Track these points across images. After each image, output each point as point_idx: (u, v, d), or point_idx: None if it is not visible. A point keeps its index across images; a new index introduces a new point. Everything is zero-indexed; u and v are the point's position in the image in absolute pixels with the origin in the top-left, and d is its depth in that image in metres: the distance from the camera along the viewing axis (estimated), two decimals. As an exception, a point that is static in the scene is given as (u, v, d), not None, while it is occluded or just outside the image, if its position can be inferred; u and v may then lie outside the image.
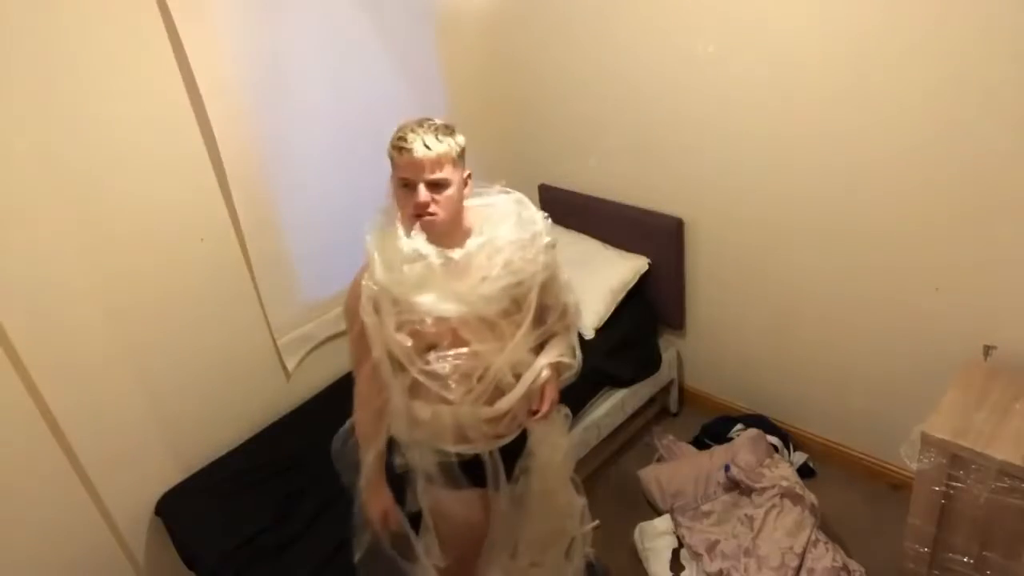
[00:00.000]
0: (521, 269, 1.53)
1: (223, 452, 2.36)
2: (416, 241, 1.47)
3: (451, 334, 1.52)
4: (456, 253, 1.49)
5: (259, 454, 2.33)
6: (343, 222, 2.51)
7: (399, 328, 1.50)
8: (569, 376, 1.70)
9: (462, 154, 1.50)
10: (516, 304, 1.55)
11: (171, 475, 2.26)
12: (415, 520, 1.77)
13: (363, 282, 1.51)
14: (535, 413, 1.62)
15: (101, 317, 2.01)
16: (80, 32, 1.82)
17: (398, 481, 1.76)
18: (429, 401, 1.58)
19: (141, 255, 2.06)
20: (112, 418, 2.08)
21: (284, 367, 2.52)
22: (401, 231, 1.48)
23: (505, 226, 1.55)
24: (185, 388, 2.25)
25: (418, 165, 1.43)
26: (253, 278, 2.34)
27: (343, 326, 2.62)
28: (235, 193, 2.20)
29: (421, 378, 1.53)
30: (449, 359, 1.53)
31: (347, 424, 1.71)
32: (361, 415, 1.67)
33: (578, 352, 1.70)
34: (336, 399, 2.56)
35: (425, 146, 1.42)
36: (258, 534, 2.03)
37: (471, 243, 1.52)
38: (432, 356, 1.53)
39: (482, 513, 1.74)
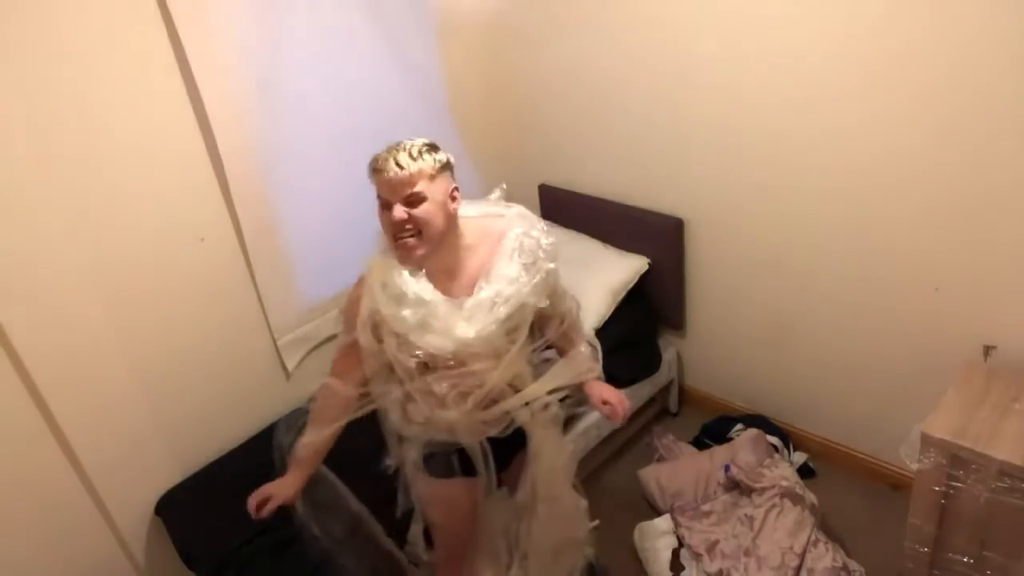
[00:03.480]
0: (521, 303, 1.55)
1: (223, 452, 2.36)
2: (420, 286, 1.49)
3: (450, 356, 1.54)
4: (466, 302, 1.51)
5: (259, 454, 2.32)
6: (343, 222, 2.53)
7: (400, 349, 1.51)
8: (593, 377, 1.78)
9: (445, 168, 1.50)
10: (512, 328, 1.58)
11: (171, 475, 2.26)
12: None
13: (364, 301, 1.52)
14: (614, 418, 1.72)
15: (101, 317, 2.01)
16: (80, 32, 1.82)
17: (388, 482, 1.77)
18: (425, 405, 1.60)
19: (141, 255, 2.06)
20: (112, 418, 2.08)
21: (284, 367, 2.52)
22: (404, 270, 1.50)
23: (512, 266, 1.55)
24: (185, 388, 2.25)
25: (391, 184, 1.44)
26: (253, 278, 2.34)
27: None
28: (235, 193, 2.20)
29: (417, 396, 1.57)
30: (447, 379, 1.55)
31: (293, 415, 1.71)
32: (323, 402, 1.66)
33: (597, 348, 1.76)
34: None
35: (397, 165, 1.43)
36: (258, 534, 2.03)
37: (482, 294, 1.52)
38: (430, 378, 1.55)
39: (469, 503, 1.75)
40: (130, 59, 1.91)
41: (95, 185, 1.93)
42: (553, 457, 1.76)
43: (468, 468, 1.69)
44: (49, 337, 1.91)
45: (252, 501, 1.63)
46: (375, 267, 1.53)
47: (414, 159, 1.44)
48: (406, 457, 1.71)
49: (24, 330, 1.85)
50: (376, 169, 1.46)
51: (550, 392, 1.67)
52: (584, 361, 1.76)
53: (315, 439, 1.63)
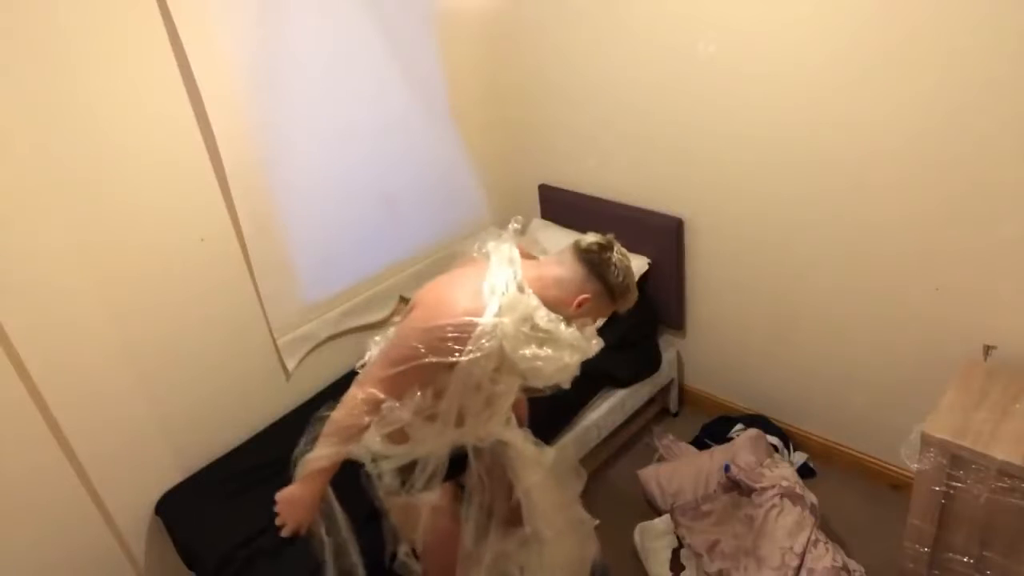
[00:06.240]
0: None
1: (223, 452, 2.36)
2: (577, 332, 1.57)
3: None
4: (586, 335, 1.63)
5: (259, 454, 2.33)
6: (343, 222, 2.54)
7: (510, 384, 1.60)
8: None
9: None
10: None
11: (171, 475, 2.26)
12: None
13: (493, 342, 1.46)
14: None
15: (101, 317, 2.01)
16: (81, 33, 1.82)
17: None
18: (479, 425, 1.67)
19: (141, 255, 2.06)
20: (112, 418, 2.08)
21: (284, 367, 2.52)
22: (557, 318, 1.54)
23: None
24: (185, 388, 2.26)
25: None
26: (253, 278, 2.34)
27: (343, 326, 2.66)
28: (235, 193, 2.20)
29: (470, 419, 1.63)
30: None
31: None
32: (352, 420, 1.56)
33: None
34: (336, 399, 2.57)
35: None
36: (258, 534, 2.03)
37: (588, 328, 1.66)
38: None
39: (449, 510, 1.79)
40: (131, 60, 1.92)
41: (95, 185, 1.93)
42: (534, 468, 1.81)
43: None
44: (49, 338, 1.91)
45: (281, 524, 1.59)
46: (516, 309, 1.49)
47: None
48: (381, 483, 1.72)
49: (24, 331, 1.86)
50: (630, 298, 1.64)
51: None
52: None
53: (333, 453, 1.55)
